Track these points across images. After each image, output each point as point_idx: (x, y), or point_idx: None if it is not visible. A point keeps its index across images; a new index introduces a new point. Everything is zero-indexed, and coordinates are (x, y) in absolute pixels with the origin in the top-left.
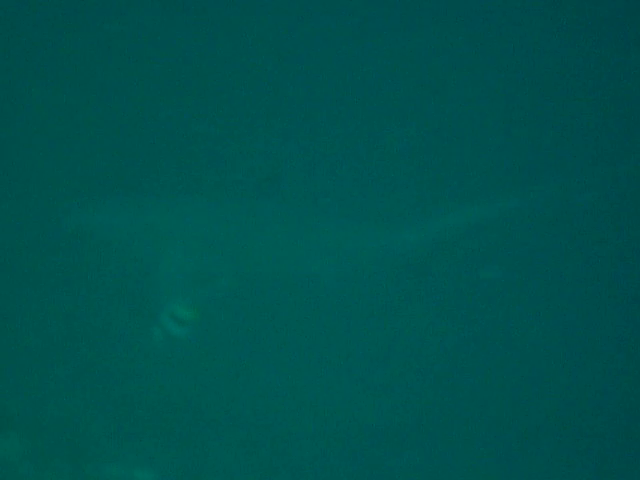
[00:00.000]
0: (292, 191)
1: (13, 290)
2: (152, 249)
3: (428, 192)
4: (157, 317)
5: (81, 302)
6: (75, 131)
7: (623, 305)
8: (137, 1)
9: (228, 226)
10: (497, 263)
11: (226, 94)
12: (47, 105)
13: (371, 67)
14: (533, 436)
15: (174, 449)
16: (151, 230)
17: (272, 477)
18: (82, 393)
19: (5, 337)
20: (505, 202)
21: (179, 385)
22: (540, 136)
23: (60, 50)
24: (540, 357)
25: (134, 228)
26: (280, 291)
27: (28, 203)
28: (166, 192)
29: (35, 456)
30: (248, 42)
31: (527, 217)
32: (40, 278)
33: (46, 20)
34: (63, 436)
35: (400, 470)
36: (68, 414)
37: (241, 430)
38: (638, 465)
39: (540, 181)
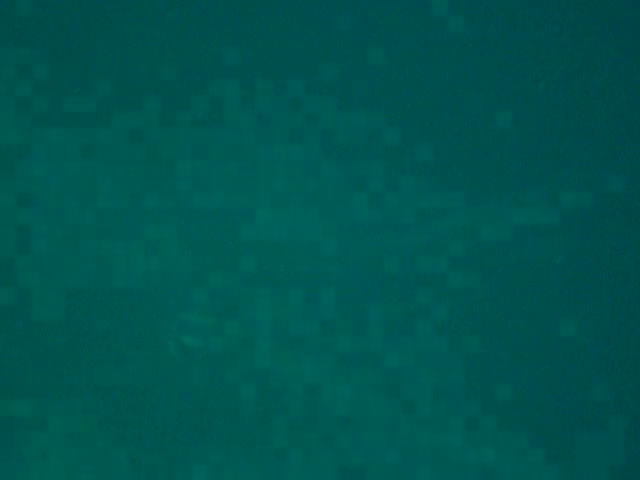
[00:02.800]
0: (292, 193)
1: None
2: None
3: (430, 193)
4: (171, 327)
5: (93, 310)
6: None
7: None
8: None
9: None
10: (499, 265)
11: (235, 96)
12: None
13: (372, 65)
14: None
15: (197, 454)
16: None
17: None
18: (102, 400)
19: (28, 344)
20: (510, 203)
21: (198, 392)
22: (541, 137)
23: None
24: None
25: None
26: (293, 295)
27: None
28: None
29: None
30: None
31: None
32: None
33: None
34: (84, 440)
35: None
36: (87, 418)
37: (261, 435)
38: None
39: (540, 185)
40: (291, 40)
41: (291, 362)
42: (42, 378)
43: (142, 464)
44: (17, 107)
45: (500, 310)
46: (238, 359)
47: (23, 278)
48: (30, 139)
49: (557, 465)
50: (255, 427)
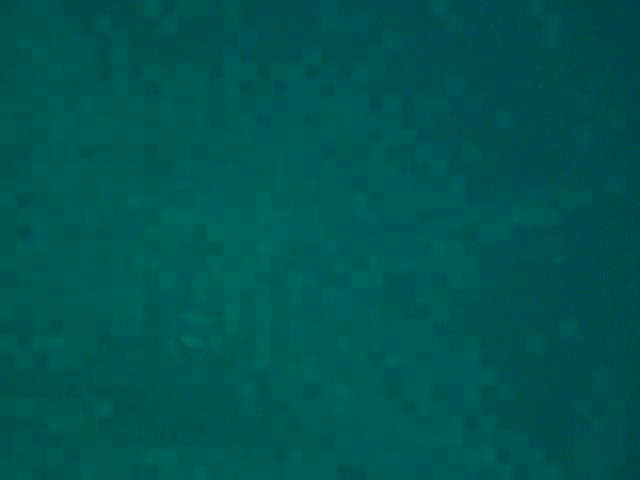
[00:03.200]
0: (292, 193)
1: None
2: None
3: (430, 193)
4: (171, 327)
5: (93, 310)
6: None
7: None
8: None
9: (234, 228)
10: (498, 270)
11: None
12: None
13: (372, 65)
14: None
15: (197, 454)
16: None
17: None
18: (102, 400)
19: (28, 344)
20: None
21: (198, 392)
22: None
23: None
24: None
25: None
26: (293, 295)
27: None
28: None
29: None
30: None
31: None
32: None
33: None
34: (84, 440)
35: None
36: (87, 418)
37: (261, 435)
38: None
39: (537, 186)
40: (291, 40)
41: (291, 362)
42: (42, 378)
43: (142, 464)
44: (17, 107)
45: (500, 310)
46: (238, 359)
47: (23, 278)
48: (30, 139)
49: (557, 465)
50: (255, 427)
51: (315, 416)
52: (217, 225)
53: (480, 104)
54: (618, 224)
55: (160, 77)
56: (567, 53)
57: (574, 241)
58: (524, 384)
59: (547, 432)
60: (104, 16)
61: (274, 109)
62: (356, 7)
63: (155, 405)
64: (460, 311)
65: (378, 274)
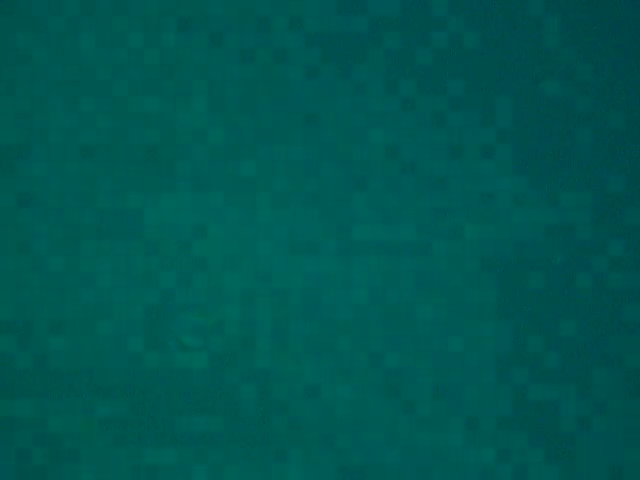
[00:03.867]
0: (292, 193)
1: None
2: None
3: (431, 193)
4: (171, 327)
5: (93, 310)
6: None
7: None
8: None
9: (235, 227)
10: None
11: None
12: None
13: (372, 65)
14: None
15: (197, 454)
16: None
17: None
18: (102, 400)
19: (27, 344)
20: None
21: (198, 392)
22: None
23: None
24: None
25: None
26: (293, 295)
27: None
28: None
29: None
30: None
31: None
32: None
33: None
34: (84, 440)
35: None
36: (87, 418)
37: (261, 435)
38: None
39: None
40: (291, 40)
41: (291, 362)
42: (42, 378)
43: (142, 464)
44: (17, 107)
45: (500, 310)
46: (238, 359)
47: (23, 278)
48: (30, 139)
49: (557, 465)
50: (255, 427)
51: (315, 416)
52: (217, 225)
53: (480, 104)
54: (618, 224)
55: (160, 77)
56: (567, 53)
57: (574, 241)
58: (524, 384)
59: (547, 432)
60: (104, 15)
61: (274, 109)
62: (356, 7)
63: (155, 405)
64: (460, 311)
65: (378, 274)
